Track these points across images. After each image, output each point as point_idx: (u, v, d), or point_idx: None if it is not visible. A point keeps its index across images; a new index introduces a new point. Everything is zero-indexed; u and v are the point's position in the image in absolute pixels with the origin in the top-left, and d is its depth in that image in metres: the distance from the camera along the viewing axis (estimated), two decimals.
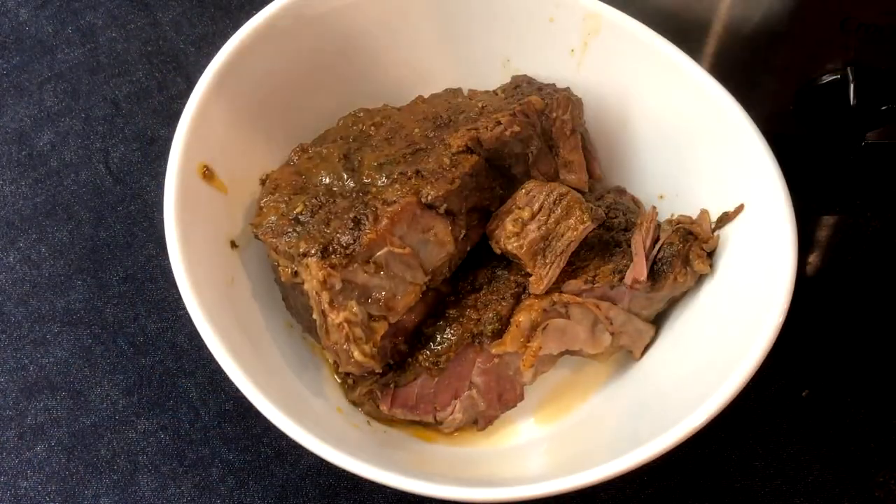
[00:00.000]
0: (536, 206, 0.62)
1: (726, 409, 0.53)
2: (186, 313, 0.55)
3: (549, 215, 0.62)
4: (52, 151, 0.78)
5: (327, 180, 0.62)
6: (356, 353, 0.58)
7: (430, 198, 0.59)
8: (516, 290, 0.62)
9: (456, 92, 0.69)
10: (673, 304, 0.66)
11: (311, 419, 0.56)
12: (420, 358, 0.62)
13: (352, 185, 0.61)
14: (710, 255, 0.64)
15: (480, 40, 0.70)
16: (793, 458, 0.69)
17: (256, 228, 0.61)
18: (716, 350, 0.59)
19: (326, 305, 0.57)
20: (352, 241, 0.57)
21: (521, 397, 0.65)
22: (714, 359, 0.58)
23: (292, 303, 0.63)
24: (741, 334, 0.57)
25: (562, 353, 0.64)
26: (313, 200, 0.60)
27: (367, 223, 0.58)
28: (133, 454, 0.67)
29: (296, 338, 0.67)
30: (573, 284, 0.62)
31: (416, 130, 0.63)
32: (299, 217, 0.59)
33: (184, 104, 0.61)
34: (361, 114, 0.67)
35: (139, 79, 0.82)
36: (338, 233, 0.58)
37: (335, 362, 0.62)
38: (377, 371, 0.60)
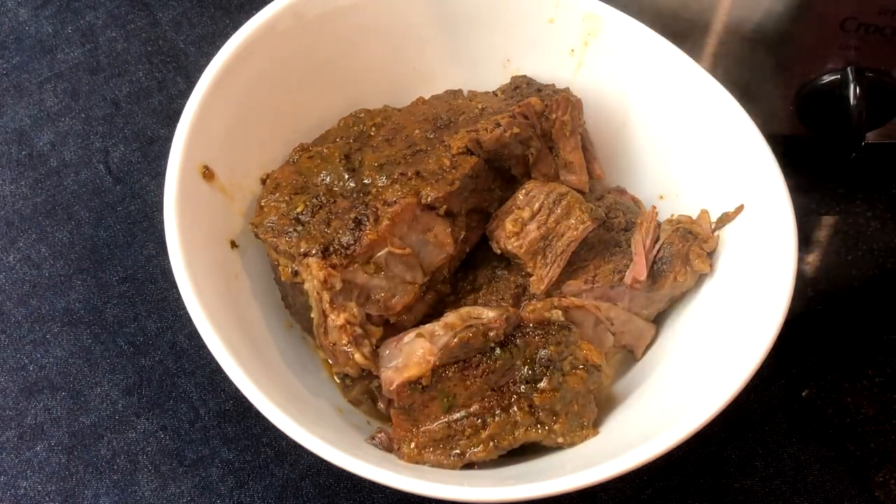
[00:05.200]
0: (536, 206, 0.62)
1: (726, 409, 0.53)
2: (186, 313, 0.55)
3: (549, 215, 0.62)
4: (52, 151, 0.78)
5: (328, 180, 0.62)
6: (357, 355, 0.58)
7: (430, 199, 0.59)
8: (516, 290, 0.62)
9: (456, 93, 0.69)
10: (673, 303, 0.66)
11: (311, 419, 0.56)
12: None
13: (352, 185, 0.61)
14: (710, 255, 0.64)
15: (480, 40, 0.70)
16: (793, 458, 0.69)
17: (257, 227, 0.61)
18: (716, 350, 0.59)
19: (327, 305, 0.57)
20: (352, 242, 0.57)
21: None
22: (714, 359, 0.58)
23: (292, 302, 0.63)
24: (741, 334, 0.57)
25: None
26: (314, 200, 0.60)
27: (367, 223, 0.58)
28: (133, 454, 0.67)
29: (296, 338, 0.67)
30: (573, 284, 0.62)
31: (417, 131, 0.64)
32: (300, 217, 0.59)
33: (184, 104, 0.60)
34: (362, 114, 0.67)
35: (139, 79, 0.82)
36: (338, 233, 0.58)
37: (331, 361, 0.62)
38: (375, 374, 0.60)
